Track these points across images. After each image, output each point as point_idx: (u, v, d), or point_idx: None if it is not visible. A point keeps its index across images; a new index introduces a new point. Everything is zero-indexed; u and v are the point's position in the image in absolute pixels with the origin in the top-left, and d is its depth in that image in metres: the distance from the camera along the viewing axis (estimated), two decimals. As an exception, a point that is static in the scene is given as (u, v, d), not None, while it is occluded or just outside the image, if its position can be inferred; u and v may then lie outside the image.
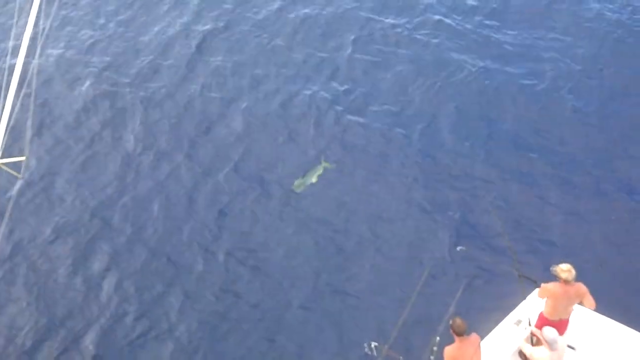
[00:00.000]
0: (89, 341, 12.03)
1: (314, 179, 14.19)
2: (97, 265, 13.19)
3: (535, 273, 10.07)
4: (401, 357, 9.29)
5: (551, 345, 9.15)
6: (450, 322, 9.00)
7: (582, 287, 9.58)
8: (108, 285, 12.82)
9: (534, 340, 9.73)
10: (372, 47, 17.30)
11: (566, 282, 9.45)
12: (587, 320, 10.28)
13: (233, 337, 11.92)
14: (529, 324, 9.88)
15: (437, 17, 18.10)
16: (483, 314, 10.76)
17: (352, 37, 17.62)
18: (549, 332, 9.25)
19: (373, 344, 9.94)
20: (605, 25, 17.42)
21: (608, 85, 15.99)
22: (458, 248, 9.83)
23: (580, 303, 9.81)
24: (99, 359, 11.82)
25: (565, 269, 9.45)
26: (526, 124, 15.37)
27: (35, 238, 13.70)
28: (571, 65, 16.37)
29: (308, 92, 16.13)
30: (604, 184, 13.94)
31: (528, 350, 9.46)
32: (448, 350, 9.05)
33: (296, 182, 14.21)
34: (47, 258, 13.33)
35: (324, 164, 14.42)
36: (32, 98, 11.49)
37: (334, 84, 16.38)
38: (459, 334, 8.96)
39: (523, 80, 16.31)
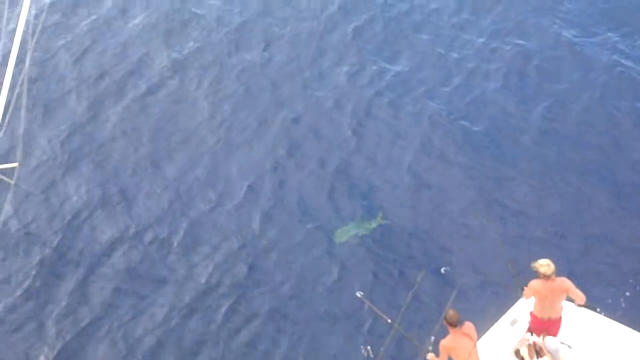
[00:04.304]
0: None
1: (362, 229, 13.02)
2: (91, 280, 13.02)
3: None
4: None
5: (554, 355, 9.13)
6: (444, 314, 8.98)
7: (565, 282, 9.58)
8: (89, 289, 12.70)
9: (539, 353, 9.71)
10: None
11: (546, 276, 9.45)
12: (581, 318, 10.28)
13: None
14: (531, 335, 9.85)
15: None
16: (478, 315, 10.76)
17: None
18: (551, 342, 9.23)
19: (369, 347, 10.04)
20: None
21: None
22: (442, 269, 9.95)
23: (572, 300, 9.82)
24: None
25: (543, 264, 9.47)
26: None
27: (28, 247, 13.47)
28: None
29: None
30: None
31: None
32: (443, 342, 9.02)
33: (339, 231, 13.11)
34: (41, 274, 13.09)
35: (379, 219, 13.25)
36: (24, 102, 11.42)
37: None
38: (453, 325, 8.93)
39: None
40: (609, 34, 17.45)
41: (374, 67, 16.79)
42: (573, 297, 9.67)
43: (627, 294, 12.26)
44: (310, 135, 15.25)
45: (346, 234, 13.03)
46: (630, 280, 12.50)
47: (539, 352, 9.48)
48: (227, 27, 17.83)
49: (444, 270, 10.18)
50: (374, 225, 13.09)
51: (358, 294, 10.00)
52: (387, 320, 9.49)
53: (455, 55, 17.06)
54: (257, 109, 15.88)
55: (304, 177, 14.41)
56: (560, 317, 9.83)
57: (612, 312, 10.81)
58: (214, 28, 17.79)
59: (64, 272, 12.98)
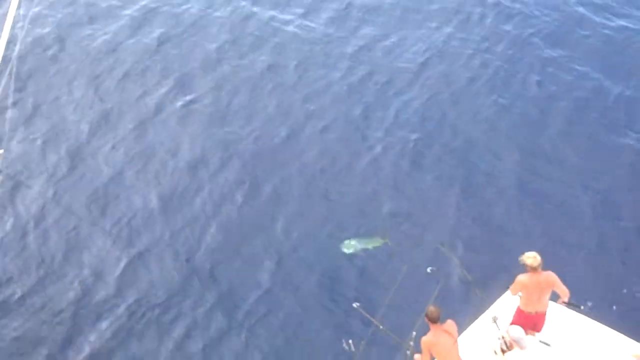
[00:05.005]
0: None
1: (369, 246, 13.39)
2: (79, 266, 13.09)
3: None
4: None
5: (519, 343, 9.27)
6: (425, 310, 9.08)
7: (551, 275, 9.77)
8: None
9: (508, 344, 9.85)
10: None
11: (533, 269, 9.63)
12: (561, 317, 10.43)
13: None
14: (498, 329, 10.02)
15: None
16: (460, 313, 10.90)
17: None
18: (515, 331, 9.37)
19: (350, 341, 10.13)
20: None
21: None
22: (429, 269, 10.14)
23: (553, 300, 9.99)
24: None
25: (530, 256, 9.66)
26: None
27: (11, 234, 13.48)
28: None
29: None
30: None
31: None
32: (424, 339, 9.10)
33: (347, 242, 13.46)
34: (23, 259, 13.11)
35: (386, 240, 13.50)
36: (11, 88, 11.40)
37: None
38: (434, 321, 9.03)
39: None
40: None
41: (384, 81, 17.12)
42: (558, 291, 9.85)
43: (612, 295, 12.54)
44: (327, 152, 15.47)
45: (352, 246, 13.38)
46: (616, 283, 12.79)
47: (508, 345, 9.65)
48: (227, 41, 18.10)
49: (430, 270, 10.31)
50: (378, 244, 13.44)
51: (354, 305, 10.18)
52: (379, 327, 9.68)
53: (450, 72, 17.50)
54: (261, 123, 16.01)
55: (313, 192, 14.61)
56: (546, 312, 10.00)
57: (594, 312, 10.99)
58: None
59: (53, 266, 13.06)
